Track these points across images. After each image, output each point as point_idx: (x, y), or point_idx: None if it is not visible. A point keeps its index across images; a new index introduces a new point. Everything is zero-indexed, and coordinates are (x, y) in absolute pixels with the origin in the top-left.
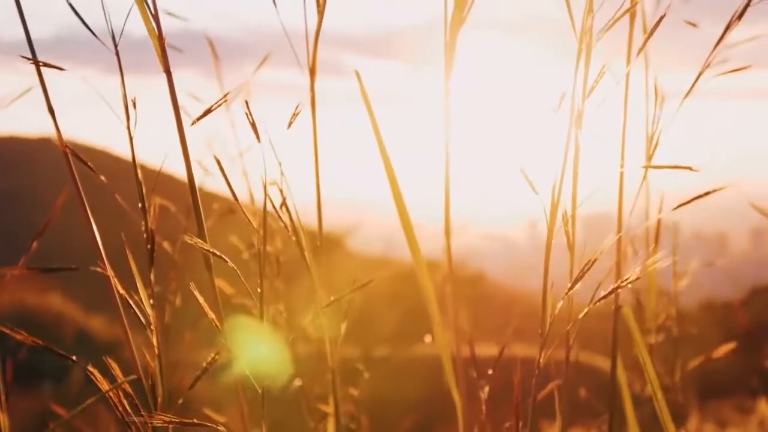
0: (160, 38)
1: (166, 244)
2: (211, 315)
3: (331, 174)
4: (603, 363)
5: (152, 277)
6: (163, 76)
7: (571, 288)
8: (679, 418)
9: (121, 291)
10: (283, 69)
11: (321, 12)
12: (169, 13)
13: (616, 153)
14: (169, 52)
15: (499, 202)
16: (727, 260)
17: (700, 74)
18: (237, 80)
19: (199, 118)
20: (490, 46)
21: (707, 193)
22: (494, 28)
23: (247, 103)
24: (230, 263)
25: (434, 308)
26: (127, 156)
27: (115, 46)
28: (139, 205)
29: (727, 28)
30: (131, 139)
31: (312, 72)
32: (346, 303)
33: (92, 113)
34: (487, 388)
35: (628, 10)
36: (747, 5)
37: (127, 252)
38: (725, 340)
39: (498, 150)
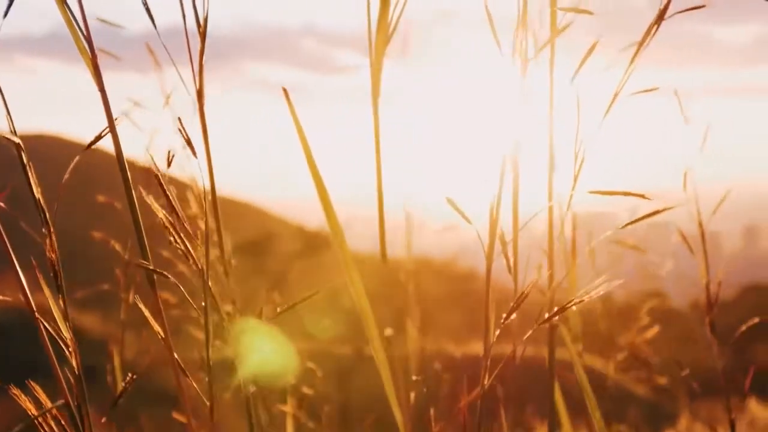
0: (93, 57)
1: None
2: (156, 327)
3: (321, 171)
4: (590, 361)
5: (61, 302)
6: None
7: (507, 318)
8: (670, 418)
9: (37, 315)
10: (274, 64)
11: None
12: (102, 20)
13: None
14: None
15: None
16: (719, 259)
17: (616, 94)
18: (229, 75)
19: (87, 147)
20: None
21: (656, 212)
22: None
23: (180, 120)
24: (171, 278)
25: (365, 304)
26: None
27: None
28: (43, 229)
29: (645, 36)
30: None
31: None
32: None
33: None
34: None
35: (560, 31)
36: (663, 12)
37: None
38: (715, 338)
39: (483, 146)
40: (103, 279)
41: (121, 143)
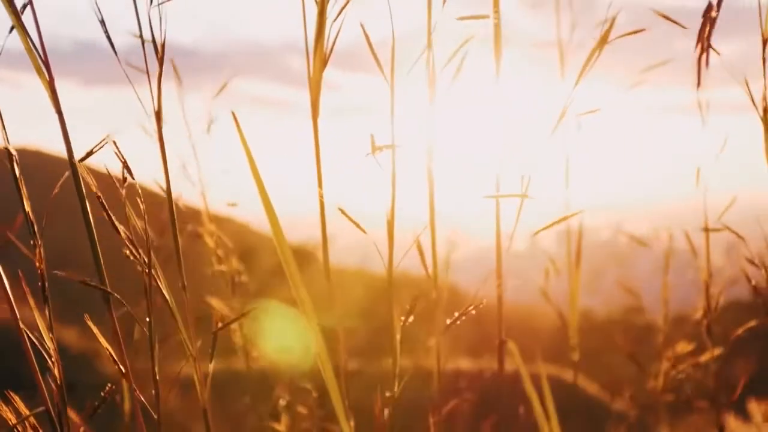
0: (51, 82)
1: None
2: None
3: (308, 186)
4: (569, 376)
5: (47, 312)
6: (139, 86)
7: (453, 322)
8: None
9: (21, 325)
10: (262, 81)
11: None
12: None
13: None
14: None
15: (474, 213)
16: (699, 275)
17: (563, 113)
18: (213, 91)
19: (81, 160)
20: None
21: (565, 218)
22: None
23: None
24: (126, 306)
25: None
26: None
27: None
28: (31, 242)
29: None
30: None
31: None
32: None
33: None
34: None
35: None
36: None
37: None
38: (695, 354)
39: (472, 161)
40: (82, 293)
41: (75, 158)
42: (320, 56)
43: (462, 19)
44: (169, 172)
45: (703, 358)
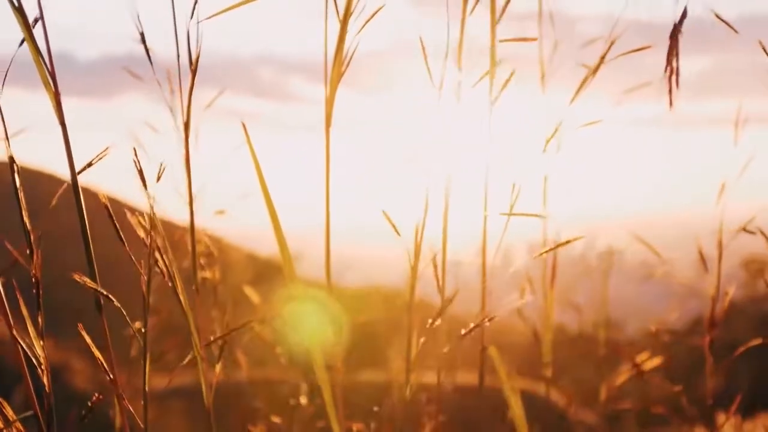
0: (56, 95)
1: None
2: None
3: (280, 199)
4: (540, 389)
5: (40, 319)
6: (123, 99)
7: (432, 323)
8: None
9: (14, 333)
10: (234, 93)
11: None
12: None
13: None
14: (121, 75)
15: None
16: (672, 289)
17: (553, 133)
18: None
19: (79, 172)
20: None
21: (567, 242)
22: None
23: (135, 150)
24: (116, 302)
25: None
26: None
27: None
28: (27, 251)
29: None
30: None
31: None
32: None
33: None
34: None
35: (487, 73)
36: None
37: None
38: (667, 369)
39: (447, 176)
40: (60, 305)
41: (77, 172)
42: (338, 70)
43: (505, 41)
44: (153, 184)
45: (647, 366)
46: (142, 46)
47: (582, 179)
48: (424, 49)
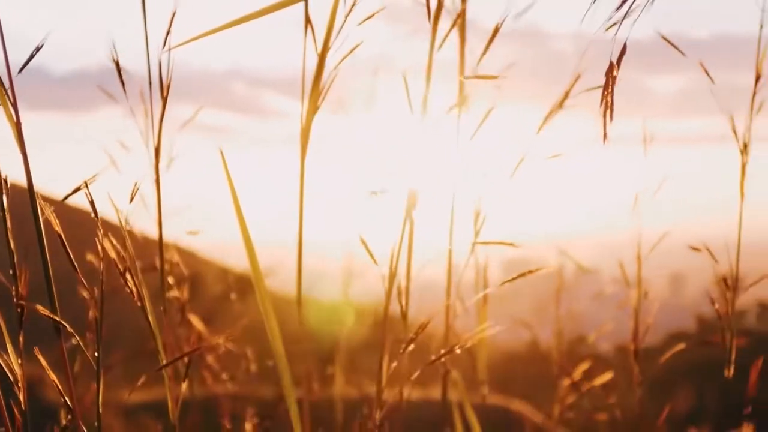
0: (18, 125)
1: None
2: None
3: (253, 214)
4: (518, 406)
5: (21, 338)
6: (100, 113)
7: (404, 349)
8: None
9: None
10: (207, 108)
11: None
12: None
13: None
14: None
15: (422, 242)
16: (645, 305)
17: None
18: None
19: (65, 198)
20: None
21: (534, 270)
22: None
23: (86, 184)
24: (70, 329)
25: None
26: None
27: None
28: (10, 271)
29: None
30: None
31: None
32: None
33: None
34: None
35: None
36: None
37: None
38: (640, 385)
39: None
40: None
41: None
42: (314, 104)
43: (467, 78)
44: (128, 201)
45: (599, 381)
46: (117, 67)
47: (554, 199)
48: (405, 80)
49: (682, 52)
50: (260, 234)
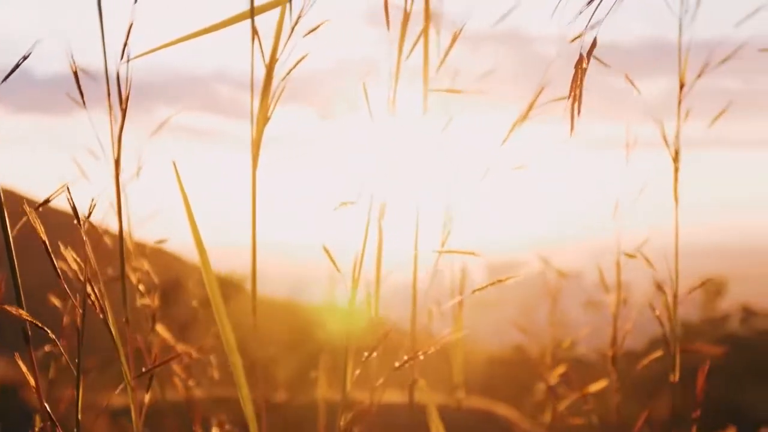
0: None
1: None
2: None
3: (235, 217)
4: (503, 410)
5: None
6: (72, 117)
7: (367, 357)
8: None
9: None
10: (189, 110)
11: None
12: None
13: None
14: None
15: (402, 248)
16: (628, 310)
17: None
18: (144, 121)
19: (38, 207)
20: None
21: (504, 279)
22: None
23: (68, 188)
24: (50, 334)
25: (235, 355)
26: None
27: None
28: None
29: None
30: None
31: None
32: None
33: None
34: None
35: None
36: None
37: None
38: (622, 390)
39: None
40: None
41: None
42: (263, 115)
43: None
44: (98, 208)
45: (592, 389)
46: (75, 77)
47: (542, 202)
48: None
49: (605, 64)
50: (243, 237)
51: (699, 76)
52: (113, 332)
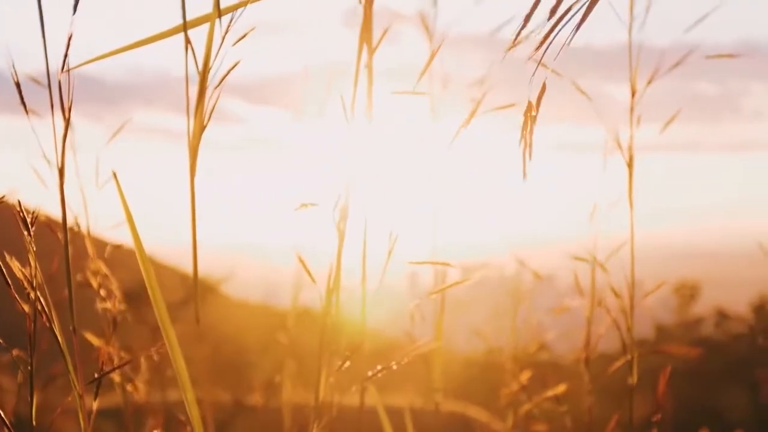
0: None
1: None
2: None
3: (210, 220)
4: (473, 411)
5: None
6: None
7: (341, 365)
8: None
9: None
10: (165, 112)
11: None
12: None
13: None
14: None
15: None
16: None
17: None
18: (117, 121)
19: None
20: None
21: (462, 281)
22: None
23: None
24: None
25: (177, 356)
26: None
27: None
28: None
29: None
30: None
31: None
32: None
33: None
34: None
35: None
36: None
37: None
38: (598, 392)
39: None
40: None
41: None
42: (199, 124)
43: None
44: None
45: (553, 393)
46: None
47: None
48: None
49: (558, 73)
50: (215, 239)
51: (649, 82)
52: (60, 340)
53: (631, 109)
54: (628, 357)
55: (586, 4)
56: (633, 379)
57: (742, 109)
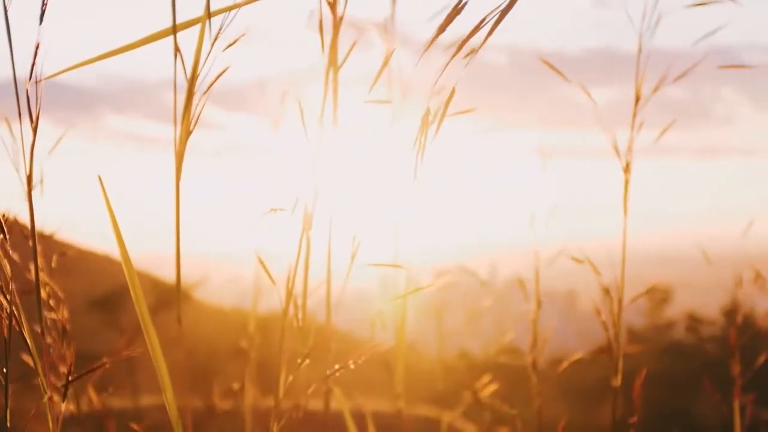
0: None
1: None
2: None
3: (186, 226)
4: (430, 411)
5: None
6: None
7: (300, 363)
8: None
9: None
10: (136, 117)
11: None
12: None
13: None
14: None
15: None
16: (576, 317)
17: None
18: (89, 127)
19: None
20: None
21: (418, 289)
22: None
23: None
24: None
25: (160, 360)
26: None
27: None
28: None
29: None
30: None
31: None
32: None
33: None
34: None
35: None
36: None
37: None
38: (570, 396)
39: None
40: None
41: None
42: (186, 129)
43: (369, 102)
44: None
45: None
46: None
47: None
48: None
49: (560, 73)
50: (188, 244)
51: (655, 90)
52: (30, 343)
53: (634, 115)
54: (610, 358)
55: (502, 8)
56: (617, 381)
57: (713, 115)
